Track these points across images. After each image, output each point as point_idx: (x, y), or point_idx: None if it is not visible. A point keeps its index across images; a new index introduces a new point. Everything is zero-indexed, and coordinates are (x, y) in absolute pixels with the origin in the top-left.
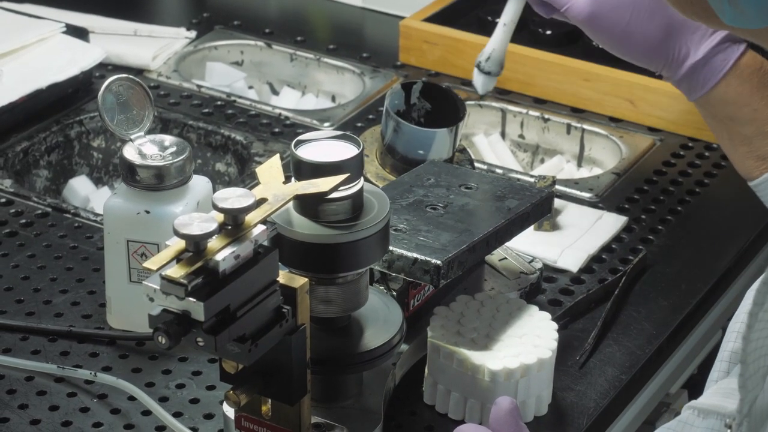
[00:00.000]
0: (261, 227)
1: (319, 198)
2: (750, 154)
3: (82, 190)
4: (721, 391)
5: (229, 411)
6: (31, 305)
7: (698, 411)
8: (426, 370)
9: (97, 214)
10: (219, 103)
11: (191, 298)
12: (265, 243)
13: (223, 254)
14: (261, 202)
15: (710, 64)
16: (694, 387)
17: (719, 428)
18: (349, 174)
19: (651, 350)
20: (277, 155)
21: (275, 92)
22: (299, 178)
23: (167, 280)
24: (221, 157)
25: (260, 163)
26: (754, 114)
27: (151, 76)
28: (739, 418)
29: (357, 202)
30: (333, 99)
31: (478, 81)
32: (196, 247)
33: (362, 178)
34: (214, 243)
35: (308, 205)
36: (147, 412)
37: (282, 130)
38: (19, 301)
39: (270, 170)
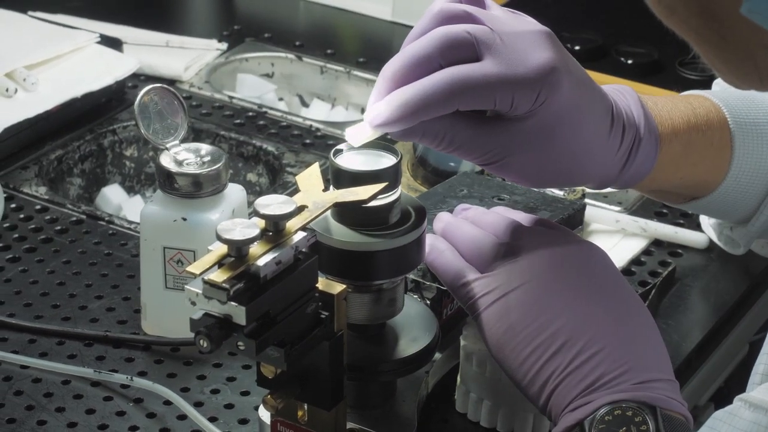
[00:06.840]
0: (301, 234)
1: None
2: None
3: (114, 198)
4: None
5: (265, 415)
6: (66, 310)
7: (749, 404)
8: (458, 378)
9: (131, 222)
10: (250, 114)
11: (233, 303)
12: (305, 250)
13: (265, 260)
14: (301, 209)
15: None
16: (722, 400)
17: (766, 423)
18: (387, 183)
19: (679, 362)
20: (317, 164)
21: (305, 104)
22: (338, 187)
23: (209, 285)
24: (253, 167)
25: (292, 173)
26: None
27: (183, 87)
28: None
29: (395, 211)
30: (362, 111)
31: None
32: (238, 252)
33: (400, 187)
34: (255, 249)
35: (347, 213)
36: (182, 417)
37: (313, 142)
38: (55, 306)
39: (309, 178)
